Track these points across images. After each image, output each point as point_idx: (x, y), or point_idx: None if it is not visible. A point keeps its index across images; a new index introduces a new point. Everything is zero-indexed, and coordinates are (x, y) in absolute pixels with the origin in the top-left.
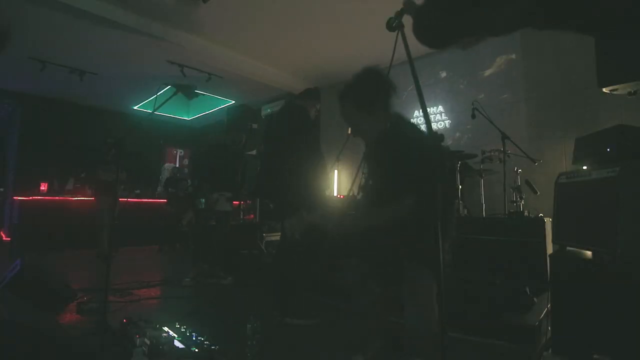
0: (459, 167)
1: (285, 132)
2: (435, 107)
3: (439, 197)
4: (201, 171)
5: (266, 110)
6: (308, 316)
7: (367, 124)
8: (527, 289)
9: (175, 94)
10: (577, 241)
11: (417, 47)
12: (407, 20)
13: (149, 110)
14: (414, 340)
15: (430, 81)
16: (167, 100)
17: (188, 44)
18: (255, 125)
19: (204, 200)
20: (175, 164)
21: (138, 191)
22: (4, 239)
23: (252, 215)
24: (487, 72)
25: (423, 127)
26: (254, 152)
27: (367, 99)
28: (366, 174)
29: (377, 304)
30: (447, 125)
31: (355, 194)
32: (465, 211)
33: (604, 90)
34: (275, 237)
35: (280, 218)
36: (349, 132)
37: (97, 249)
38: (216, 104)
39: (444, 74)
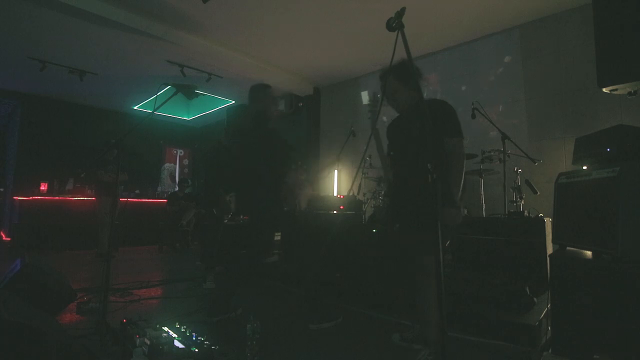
0: None
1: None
2: None
3: (440, 198)
4: (211, 174)
5: None
6: (328, 319)
7: (405, 95)
8: (527, 289)
9: (175, 94)
10: (577, 241)
11: (417, 47)
12: (407, 20)
13: (149, 110)
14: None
15: (431, 81)
16: (167, 100)
17: (188, 44)
18: None
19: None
20: (175, 164)
21: (138, 191)
22: (4, 239)
23: None
24: (487, 72)
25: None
26: None
27: (408, 76)
28: (389, 144)
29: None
30: None
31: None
32: (465, 211)
33: (604, 90)
34: (276, 237)
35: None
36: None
37: (97, 249)
38: (216, 104)
39: (444, 74)
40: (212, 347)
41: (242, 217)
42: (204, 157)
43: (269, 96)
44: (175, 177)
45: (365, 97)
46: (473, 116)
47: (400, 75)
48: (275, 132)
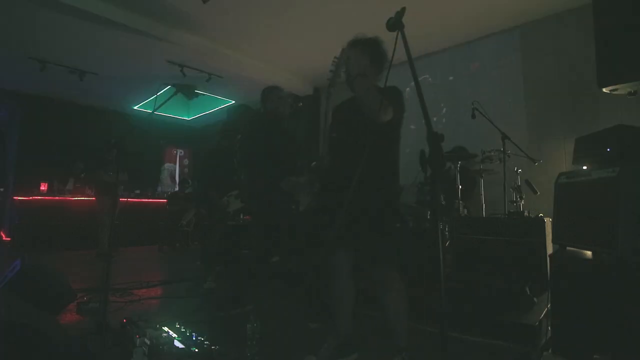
0: (459, 167)
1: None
2: (435, 107)
3: (440, 198)
4: (205, 179)
5: None
6: (324, 318)
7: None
8: (527, 289)
9: (175, 94)
10: (577, 241)
11: (417, 47)
12: (407, 20)
13: (149, 110)
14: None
15: (431, 81)
16: (167, 100)
17: (188, 44)
18: None
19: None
20: (175, 164)
21: (138, 191)
22: (4, 239)
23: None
24: (487, 72)
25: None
26: None
27: (382, 57)
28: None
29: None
30: (447, 125)
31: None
32: (465, 211)
33: (604, 90)
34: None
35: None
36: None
37: (97, 249)
38: (216, 104)
39: (443, 74)
40: (212, 347)
41: (242, 216)
42: (202, 158)
43: (279, 97)
44: (175, 177)
45: None
46: (473, 116)
47: (375, 57)
48: (286, 131)
